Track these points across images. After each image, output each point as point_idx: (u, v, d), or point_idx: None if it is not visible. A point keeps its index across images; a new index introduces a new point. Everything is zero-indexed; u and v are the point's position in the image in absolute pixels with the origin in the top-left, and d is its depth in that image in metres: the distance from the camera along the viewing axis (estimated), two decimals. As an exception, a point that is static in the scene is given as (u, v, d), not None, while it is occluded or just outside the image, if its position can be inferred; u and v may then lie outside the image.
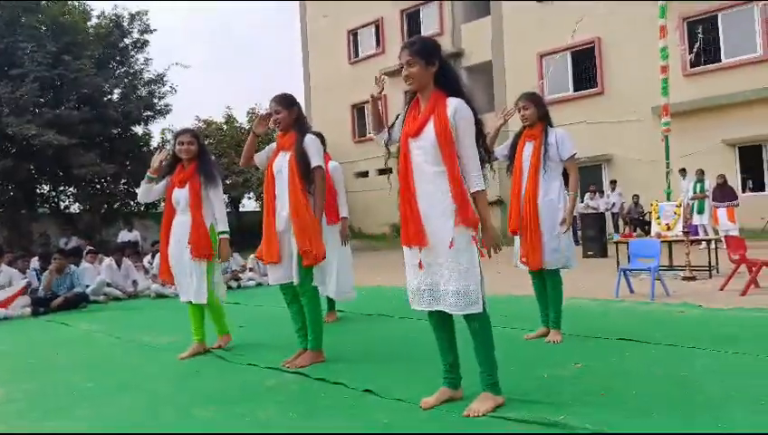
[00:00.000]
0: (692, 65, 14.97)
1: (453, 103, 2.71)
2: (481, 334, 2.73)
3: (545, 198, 4.08)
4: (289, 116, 3.80)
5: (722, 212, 11.27)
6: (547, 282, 4.23)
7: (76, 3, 18.40)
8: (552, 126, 4.23)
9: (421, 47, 2.75)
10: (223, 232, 4.29)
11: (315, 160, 3.72)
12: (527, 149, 4.15)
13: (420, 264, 2.73)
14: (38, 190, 18.31)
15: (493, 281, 5.26)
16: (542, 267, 4.13)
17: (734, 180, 13.68)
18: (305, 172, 3.68)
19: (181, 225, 4.31)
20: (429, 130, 2.70)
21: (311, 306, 3.77)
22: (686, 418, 2.49)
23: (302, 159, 3.68)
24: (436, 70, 2.75)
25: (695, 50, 14.60)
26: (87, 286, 8.14)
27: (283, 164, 3.74)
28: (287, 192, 3.68)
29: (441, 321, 2.83)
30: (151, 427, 2.78)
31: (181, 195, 4.31)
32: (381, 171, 20.02)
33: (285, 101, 3.81)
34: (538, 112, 4.16)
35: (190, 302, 4.33)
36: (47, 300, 7.48)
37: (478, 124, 2.76)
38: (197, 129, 20.75)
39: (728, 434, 2.32)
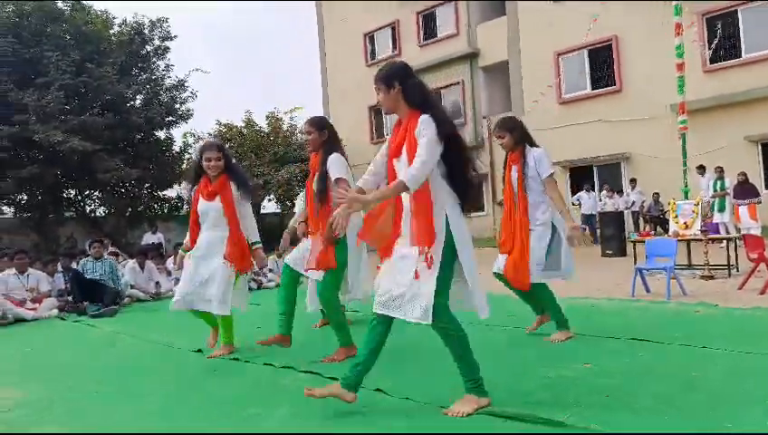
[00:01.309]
0: (711, 61, 14.77)
1: (422, 119, 2.76)
2: (448, 340, 2.82)
3: (535, 223, 4.20)
4: (319, 138, 4.05)
5: (743, 210, 11.11)
6: (536, 294, 4.32)
7: (99, 11, 18.83)
8: (533, 146, 4.33)
9: (382, 74, 2.90)
10: (256, 243, 4.44)
11: (335, 173, 3.85)
12: (513, 174, 4.31)
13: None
14: (64, 195, 18.75)
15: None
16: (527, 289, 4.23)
17: (758, 177, 13.46)
18: (321, 191, 3.95)
19: (208, 240, 4.26)
20: (405, 149, 2.80)
21: (329, 310, 4.07)
22: (691, 418, 2.51)
23: (320, 179, 3.96)
24: (398, 90, 2.85)
25: (712, 46, 14.40)
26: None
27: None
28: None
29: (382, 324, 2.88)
30: (166, 427, 2.88)
31: (210, 208, 4.25)
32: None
33: (317, 124, 4.09)
34: (514, 138, 4.29)
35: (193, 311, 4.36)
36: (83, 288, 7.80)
37: (451, 134, 2.77)
38: (218, 133, 21.05)
39: (731, 434, 2.34)
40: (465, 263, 2.79)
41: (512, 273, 4.18)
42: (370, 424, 2.72)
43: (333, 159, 3.92)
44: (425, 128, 2.72)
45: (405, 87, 2.85)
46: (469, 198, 2.83)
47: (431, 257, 2.68)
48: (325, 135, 4.05)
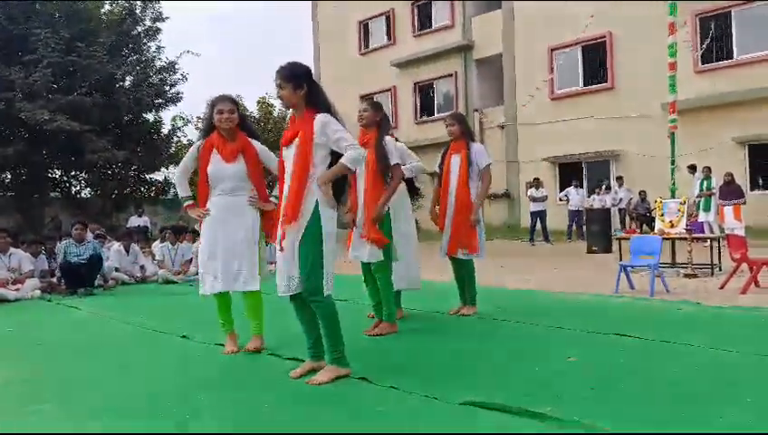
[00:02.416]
0: (704, 62, 14.87)
1: (319, 119, 3.15)
2: (321, 315, 3.17)
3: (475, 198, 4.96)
4: (374, 116, 4.38)
5: (728, 210, 11.20)
6: (463, 269, 5.04)
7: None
8: (473, 141, 5.13)
9: (289, 72, 3.19)
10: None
11: (395, 159, 4.29)
12: (454, 160, 5.00)
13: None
14: (50, 175, 18.51)
15: (489, 273, 5.32)
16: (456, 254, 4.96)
17: (743, 178, 13.63)
18: (384, 170, 4.23)
19: (227, 207, 3.82)
20: (296, 142, 3.18)
21: (382, 283, 4.38)
22: (671, 413, 2.55)
23: (383, 158, 4.24)
24: (305, 92, 3.19)
25: (703, 46, 14.50)
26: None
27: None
28: (364, 185, 4.29)
29: (300, 303, 3.27)
30: (152, 409, 2.87)
31: (231, 170, 3.81)
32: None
33: (375, 105, 4.49)
34: (461, 129, 5.05)
35: (222, 292, 3.92)
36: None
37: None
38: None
39: (722, 434, 2.38)
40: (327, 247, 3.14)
41: (454, 241, 4.92)
42: (355, 412, 2.73)
43: (389, 144, 4.34)
44: (333, 124, 3.15)
45: (311, 89, 3.21)
46: (337, 191, 3.22)
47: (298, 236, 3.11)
48: (380, 114, 4.40)
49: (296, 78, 3.16)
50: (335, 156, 3.18)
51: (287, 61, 3.24)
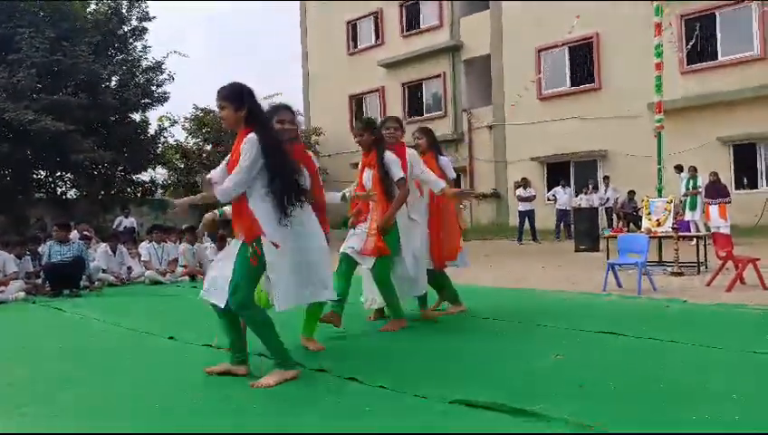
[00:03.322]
0: (689, 62, 15.02)
1: (246, 140, 3.12)
2: (251, 326, 3.25)
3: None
4: (370, 138, 4.43)
5: (713, 209, 11.36)
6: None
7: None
8: (441, 154, 5.11)
9: (230, 92, 3.19)
10: None
11: (397, 173, 4.37)
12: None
13: None
14: (35, 176, 18.30)
15: (478, 272, 5.33)
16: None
17: (728, 178, 13.78)
18: (389, 187, 4.33)
19: (306, 215, 3.43)
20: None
21: (384, 290, 4.45)
22: (660, 409, 2.57)
23: (387, 175, 4.34)
24: (245, 112, 3.17)
25: (688, 47, 14.65)
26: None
27: (368, 179, 4.41)
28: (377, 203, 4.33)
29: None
30: (138, 410, 2.85)
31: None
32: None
33: (368, 127, 4.46)
34: (428, 141, 5.04)
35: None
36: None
37: (275, 148, 3.18)
38: (195, 117, 20.72)
39: (694, 434, 2.40)
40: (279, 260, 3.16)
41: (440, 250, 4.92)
42: (344, 412, 2.72)
43: (390, 158, 4.40)
44: (246, 149, 3.10)
45: (251, 109, 3.20)
46: (292, 200, 3.16)
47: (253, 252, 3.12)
48: (376, 134, 4.45)
49: (237, 98, 3.18)
50: (280, 176, 3.14)
51: (227, 82, 3.24)
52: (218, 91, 3.21)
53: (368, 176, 4.45)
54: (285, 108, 3.78)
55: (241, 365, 3.35)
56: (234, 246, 3.25)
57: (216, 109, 3.33)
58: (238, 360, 3.37)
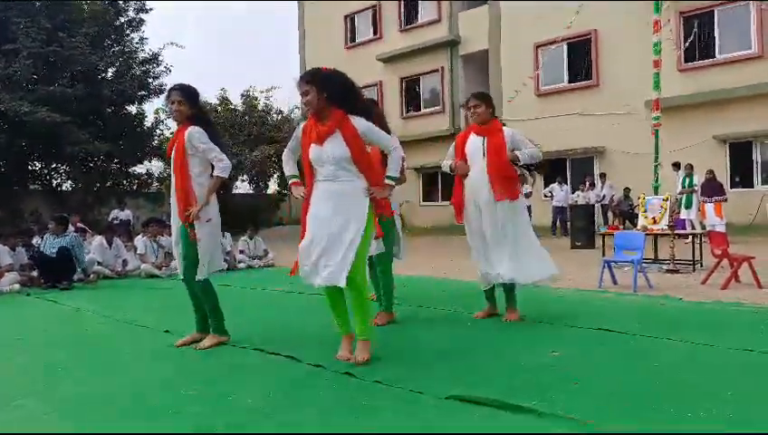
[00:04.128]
0: (686, 60, 15.02)
1: (188, 132, 3.85)
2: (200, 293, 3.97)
3: None
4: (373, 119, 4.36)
5: (709, 207, 11.36)
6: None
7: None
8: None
9: (187, 93, 3.95)
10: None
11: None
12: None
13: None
14: (30, 167, 18.20)
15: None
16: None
17: (724, 176, 13.81)
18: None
19: (328, 193, 3.45)
20: (173, 152, 3.91)
21: (384, 275, 4.57)
22: (654, 407, 2.58)
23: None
24: (196, 109, 3.98)
25: (685, 44, 14.64)
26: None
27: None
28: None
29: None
30: (135, 403, 2.85)
31: (328, 152, 3.41)
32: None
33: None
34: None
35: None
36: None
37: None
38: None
39: (685, 434, 2.40)
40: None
41: None
42: (341, 406, 2.72)
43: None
44: (199, 137, 3.84)
45: (194, 109, 3.97)
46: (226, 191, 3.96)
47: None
48: (378, 116, 4.26)
49: (193, 97, 3.95)
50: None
51: (180, 82, 3.98)
52: (179, 88, 3.95)
53: None
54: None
55: (204, 332, 4.03)
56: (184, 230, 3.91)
57: (174, 102, 3.92)
58: (203, 329, 4.06)
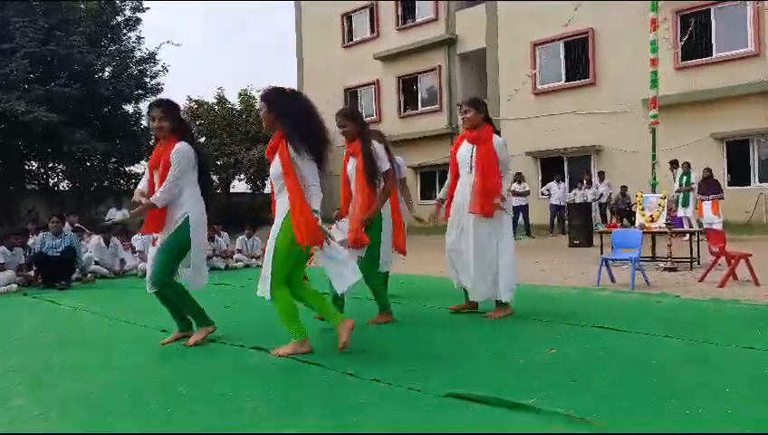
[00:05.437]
0: (683, 58, 15.04)
1: (175, 149, 3.87)
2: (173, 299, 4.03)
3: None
4: (354, 128, 4.42)
5: (707, 205, 11.42)
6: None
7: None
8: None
9: (167, 107, 3.97)
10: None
11: (384, 165, 4.38)
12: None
13: None
14: (27, 167, 18.17)
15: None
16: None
17: (721, 174, 13.84)
18: (373, 176, 4.30)
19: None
20: (161, 165, 3.91)
21: (369, 280, 4.37)
22: (652, 404, 2.58)
23: (369, 165, 4.30)
24: (177, 124, 3.97)
25: (681, 42, 14.66)
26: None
27: (352, 169, 4.43)
28: (357, 192, 4.34)
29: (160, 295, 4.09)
30: (133, 403, 2.84)
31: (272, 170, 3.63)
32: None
33: (350, 116, 4.47)
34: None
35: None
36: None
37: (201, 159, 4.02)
38: (189, 109, 20.60)
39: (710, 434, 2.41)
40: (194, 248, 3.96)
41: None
42: (338, 404, 2.72)
43: (378, 148, 4.42)
44: (176, 159, 3.85)
45: (176, 123, 3.97)
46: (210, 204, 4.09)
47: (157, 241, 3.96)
48: (359, 124, 4.43)
49: (172, 110, 3.97)
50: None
51: (159, 98, 4.04)
52: (158, 106, 3.99)
53: (352, 165, 4.44)
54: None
55: (187, 331, 4.10)
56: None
57: (156, 119, 3.93)
58: (183, 327, 4.14)
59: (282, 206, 3.51)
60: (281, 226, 3.47)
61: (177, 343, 4.10)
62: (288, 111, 3.50)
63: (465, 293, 4.83)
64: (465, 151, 4.65)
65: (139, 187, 4.13)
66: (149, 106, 4.06)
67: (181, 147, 3.86)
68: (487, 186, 4.47)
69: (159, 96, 19.53)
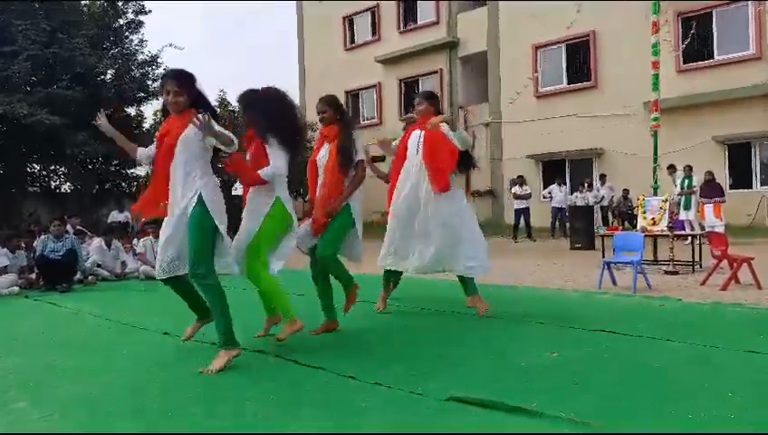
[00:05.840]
0: (684, 61, 15.03)
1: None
2: (210, 301, 3.58)
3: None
4: (331, 114, 4.33)
5: (709, 208, 11.40)
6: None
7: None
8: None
9: (184, 79, 3.61)
10: None
11: (359, 155, 4.29)
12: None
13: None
14: (28, 169, 18.19)
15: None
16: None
17: (723, 177, 13.82)
18: (346, 163, 4.20)
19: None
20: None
21: (330, 266, 4.24)
22: (654, 407, 2.58)
23: (344, 151, 4.20)
24: (193, 98, 3.64)
25: (683, 45, 14.66)
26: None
27: (325, 154, 4.30)
28: (326, 175, 4.24)
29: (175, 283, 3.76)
30: (134, 405, 2.83)
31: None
32: (374, 159, 20.01)
33: (330, 103, 4.37)
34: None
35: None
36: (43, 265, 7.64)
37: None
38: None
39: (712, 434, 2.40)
40: (221, 230, 3.56)
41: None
42: (339, 408, 2.71)
43: (355, 136, 4.37)
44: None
45: (193, 96, 3.64)
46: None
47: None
48: (339, 112, 4.36)
49: (191, 86, 3.62)
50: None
51: (180, 68, 3.67)
52: (172, 78, 3.63)
53: (325, 151, 4.30)
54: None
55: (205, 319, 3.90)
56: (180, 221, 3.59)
57: (171, 93, 3.62)
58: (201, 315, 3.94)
59: (260, 195, 3.84)
60: (270, 211, 3.76)
61: (177, 344, 4.10)
62: (262, 109, 3.81)
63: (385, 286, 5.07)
64: (414, 137, 4.85)
65: (147, 151, 4.09)
66: (162, 77, 3.84)
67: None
68: (437, 164, 4.61)
69: (162, 99, 19.59)
